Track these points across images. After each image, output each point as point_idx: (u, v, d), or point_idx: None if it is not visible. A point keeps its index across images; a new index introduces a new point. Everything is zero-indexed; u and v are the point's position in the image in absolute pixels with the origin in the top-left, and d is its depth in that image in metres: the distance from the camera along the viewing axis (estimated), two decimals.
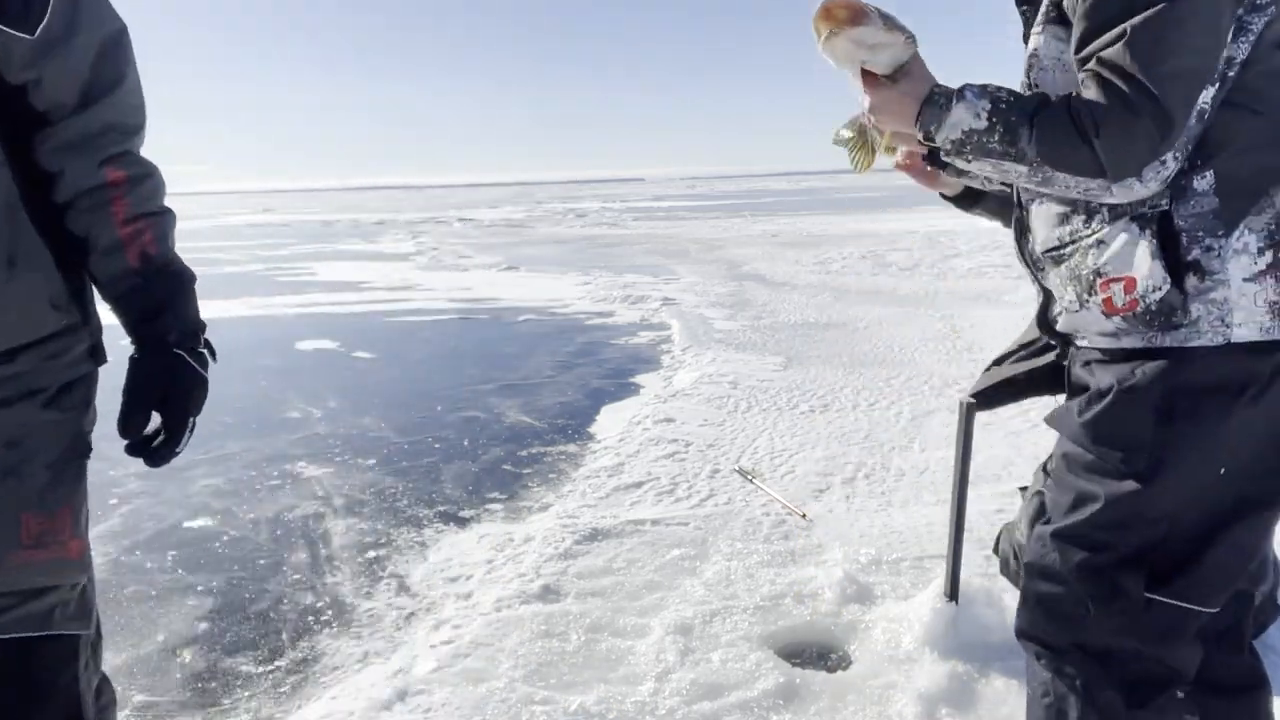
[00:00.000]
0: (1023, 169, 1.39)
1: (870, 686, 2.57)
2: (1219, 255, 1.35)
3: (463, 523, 4.17)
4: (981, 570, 3.25)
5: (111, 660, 3.10)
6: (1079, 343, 1.58)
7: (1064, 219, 1.51)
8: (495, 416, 6.09)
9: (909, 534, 3.60)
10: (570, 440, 5.46)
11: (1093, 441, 1.51)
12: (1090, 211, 1.47)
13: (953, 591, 2.82)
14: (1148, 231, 1.38)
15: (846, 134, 1.68)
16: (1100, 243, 1.45)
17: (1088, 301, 1.48)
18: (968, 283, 11.44)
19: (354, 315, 11.20)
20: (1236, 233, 1.35)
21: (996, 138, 1.38)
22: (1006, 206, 1.75)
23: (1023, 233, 1.64)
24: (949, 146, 1.42)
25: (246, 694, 2.85)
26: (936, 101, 1.42)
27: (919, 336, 8.00)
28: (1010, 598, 2.99)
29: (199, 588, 3.63)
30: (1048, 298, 1.64)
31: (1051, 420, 1.67)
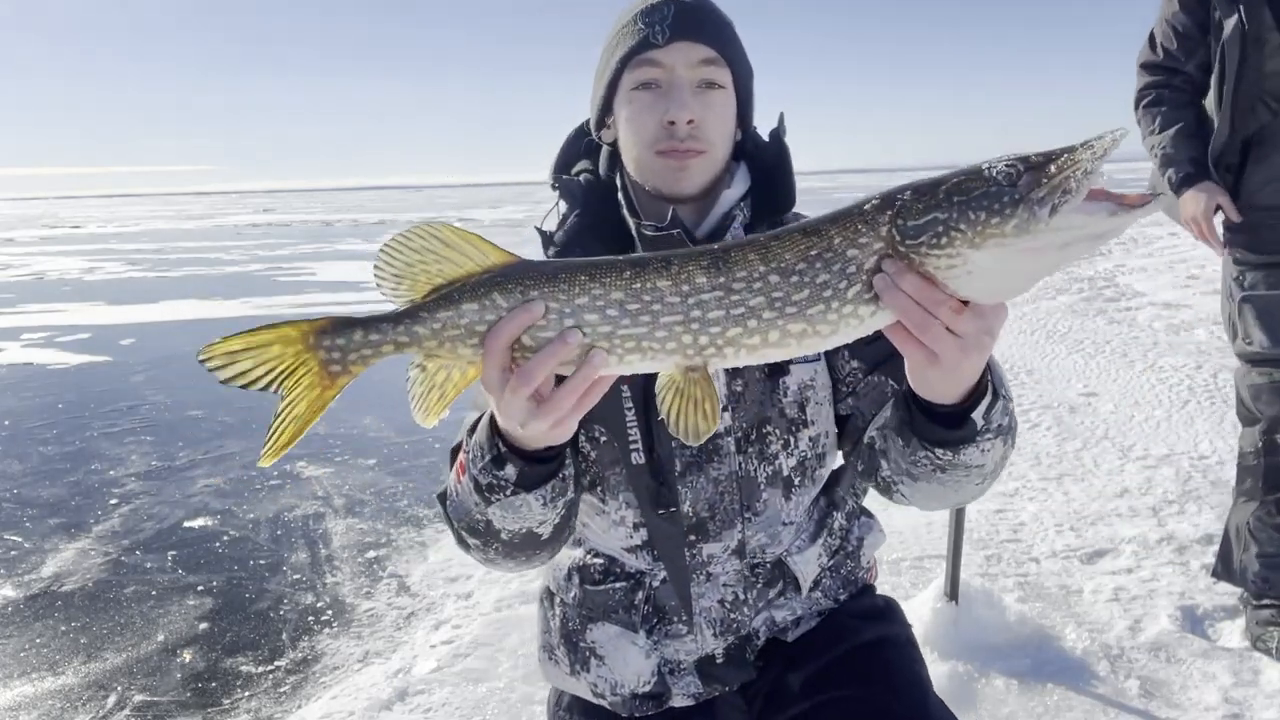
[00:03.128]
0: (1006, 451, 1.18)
1: None
2: None
3: None
4: (981, 570, 3.26)
5: (112, 660, 3.11)
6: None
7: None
8: None
9: (909, 534, 3.60)
10: None
11: None
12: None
13: (953, 591, 2.82)
14: None
15: (418, 364, 1.01)
16: None
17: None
18: None
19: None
20: None
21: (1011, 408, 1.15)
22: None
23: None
24: (1005, 422, 1.12)
25: (246, 694, 2.85)
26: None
27: None
28: (1010, 598, 2.99)
29: (199, 588, 3.63)
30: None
31: None
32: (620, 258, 0.95)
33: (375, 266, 0.96)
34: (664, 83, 1.27)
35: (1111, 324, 7.73)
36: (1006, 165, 0.86)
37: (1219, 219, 2.62)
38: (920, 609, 2.80)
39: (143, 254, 23.64)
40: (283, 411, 0.97)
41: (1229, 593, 2.96)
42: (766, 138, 1.41)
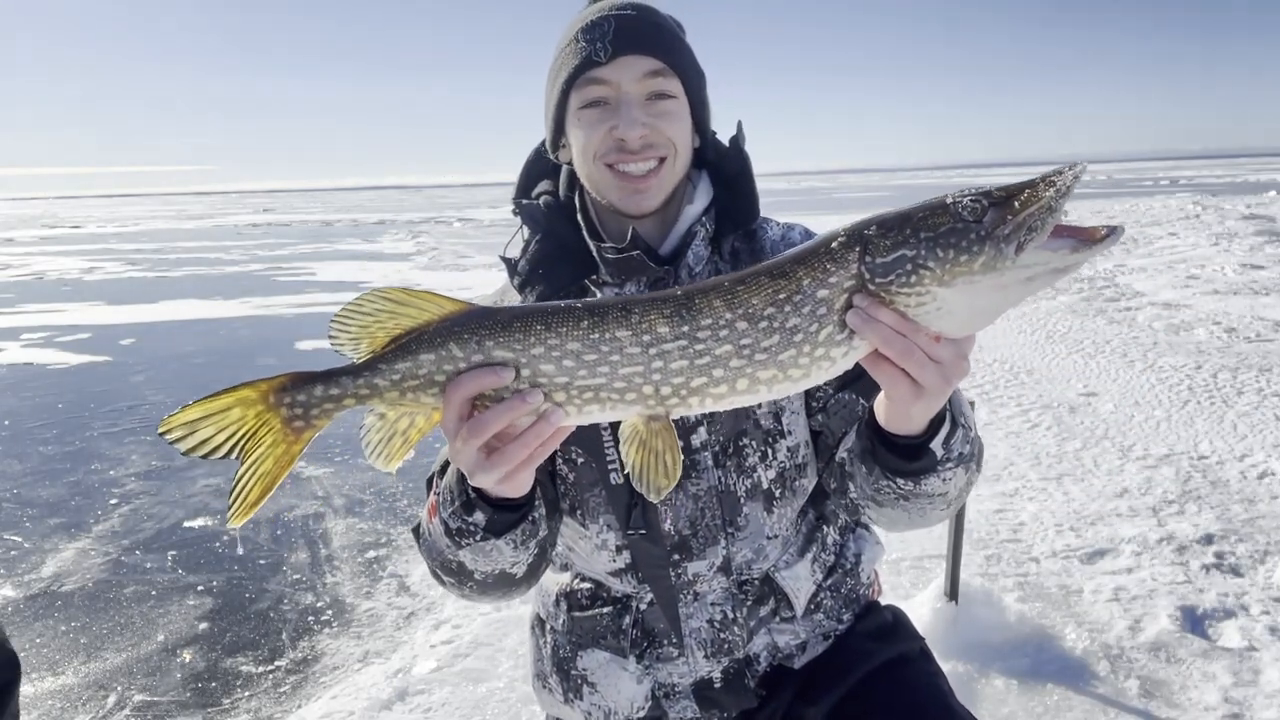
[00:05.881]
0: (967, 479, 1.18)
1: None
2: None
3: None
4: (981, 570, 3.26)
5: (111, 660, 3.11)
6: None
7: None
8: None
9: (909, 534, 3.60)
10: None
11: None
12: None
13: (953, 591, 2.82)
14: None
15: (378, 413, 1.02)
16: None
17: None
18: None
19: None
20: None
21: (974, 437, 1.15)
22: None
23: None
24: (966, 450, 1.10)
25: (246, 694, 2.85)
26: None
27: None
28: (1010, 598, 2.99)
29: (199, 588, 3.64)
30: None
31: None
32: (579, 304, 0.92)
33: (331, 335, 0.95)
34: (611, 100, 1.23)
35: (1111, 324, 7.74)
36: (971, 200, 0.86)
37: None
38: (920, 609, 2.81)
39: (143, 254, 23.64)
40: (247, 471, 0.95)
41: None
42: (726, 143, 1.37)
